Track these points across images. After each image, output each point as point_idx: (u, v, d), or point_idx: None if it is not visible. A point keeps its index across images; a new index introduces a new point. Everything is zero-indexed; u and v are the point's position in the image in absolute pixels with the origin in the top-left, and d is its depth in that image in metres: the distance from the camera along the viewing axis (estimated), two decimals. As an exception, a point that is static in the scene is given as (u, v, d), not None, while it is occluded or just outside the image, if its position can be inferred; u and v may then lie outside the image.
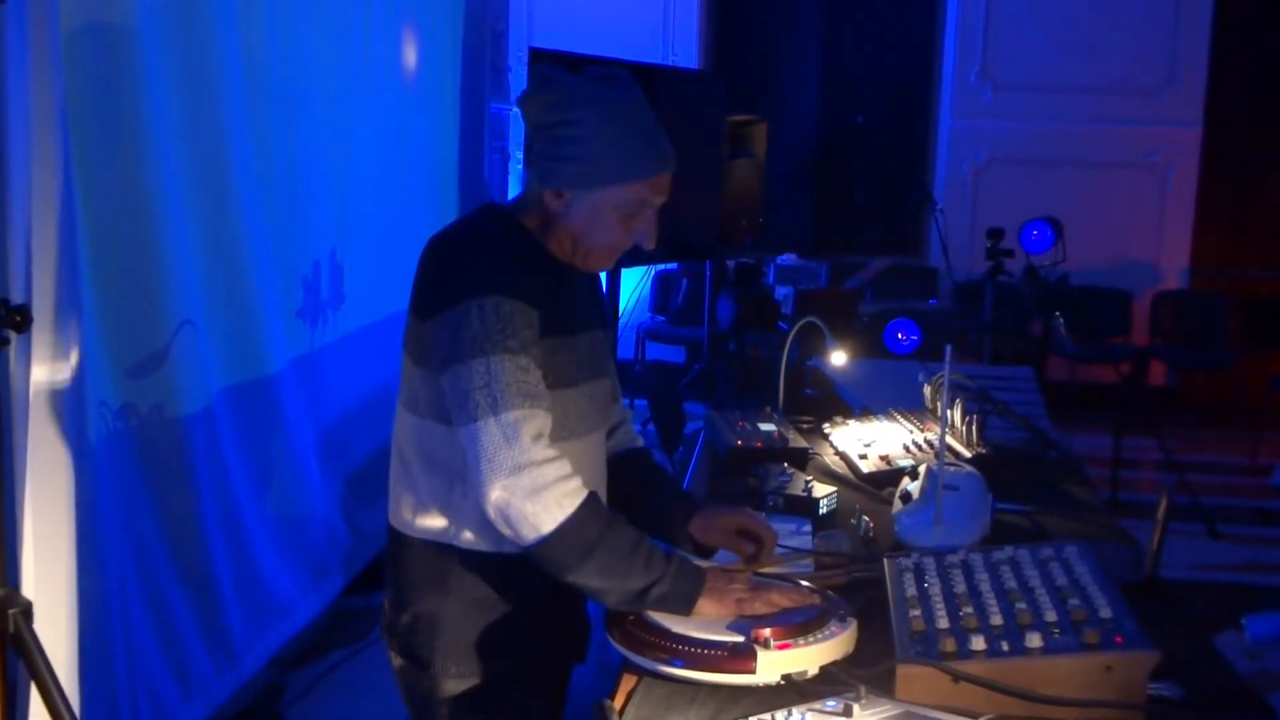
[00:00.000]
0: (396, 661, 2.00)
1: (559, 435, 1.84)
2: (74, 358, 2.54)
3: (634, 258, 6.08)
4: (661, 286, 8.17)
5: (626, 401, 2.08)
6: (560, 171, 1.83)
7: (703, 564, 1.86)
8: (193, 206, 3.18)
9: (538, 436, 1.73)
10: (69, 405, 2.53)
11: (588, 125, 1.80)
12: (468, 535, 1.89)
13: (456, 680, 1.92)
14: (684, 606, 1.75)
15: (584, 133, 1.80)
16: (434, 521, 1.91)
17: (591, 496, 1.77)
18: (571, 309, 1.92)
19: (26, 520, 2.47)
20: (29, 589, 2.46)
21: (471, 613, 1.91)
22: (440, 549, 1.92)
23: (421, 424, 1.89)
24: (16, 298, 2.39)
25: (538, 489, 1.70)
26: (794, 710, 1.46)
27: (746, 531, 2.00)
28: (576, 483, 1.75)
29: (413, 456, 1.92)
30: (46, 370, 2.47)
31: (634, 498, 2.07)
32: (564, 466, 1.75)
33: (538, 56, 4.90)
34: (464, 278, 1.79)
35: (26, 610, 2.23)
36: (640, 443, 2.20)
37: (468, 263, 1.82)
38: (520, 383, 1.73)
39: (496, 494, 1.70)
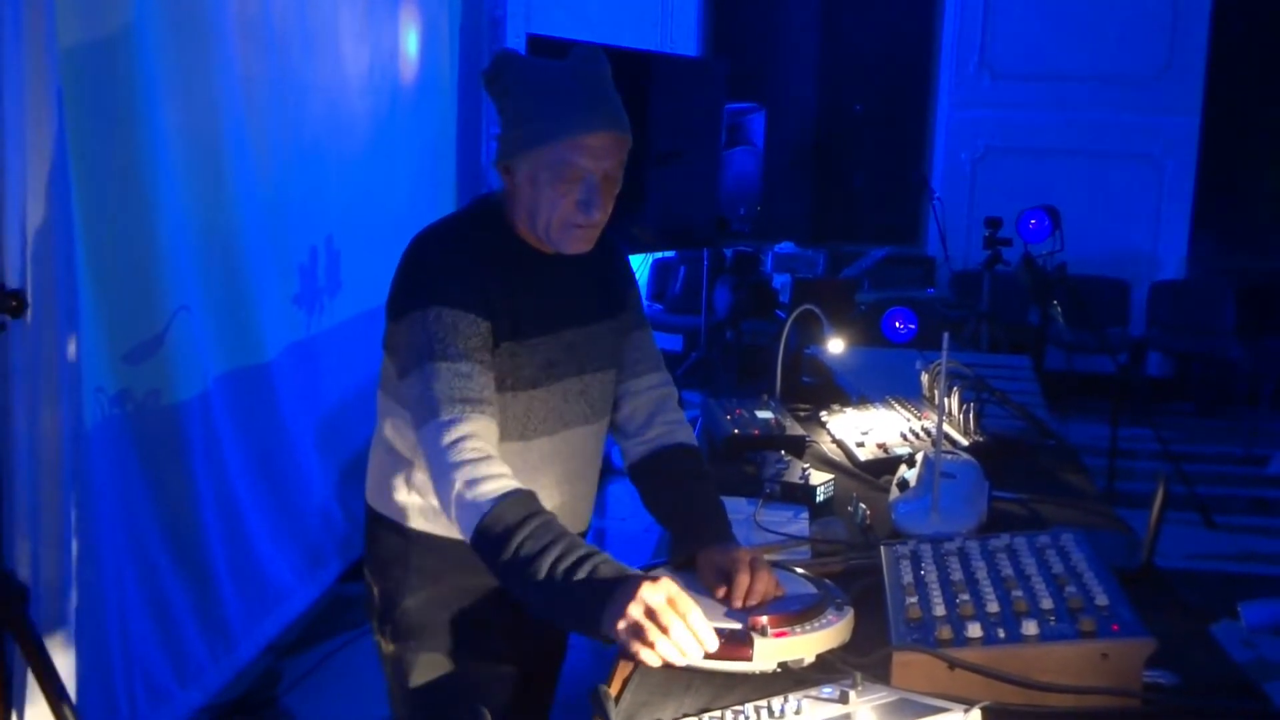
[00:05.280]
0: (375, 635, 2.06)
1: (518, 434, 1.89)
2: (70, 343, 2.54)
3: (631, 245, 6.09)
4: (659, 274, 8.16)
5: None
6: (500, 144, 1.85)
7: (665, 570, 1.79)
8: (189, 192, 3.17)
9: (460, 439, 1.72)
10: (65, 391, 2.52)
11: (513, 93, 1.82)
12: (419, 519, 1.97)
13: (416, 654, 1.97)
14: (587, 627, 1.59)
15: (510, 101, 1.83)
16: (392, 500, 1.99)
17: (509, 497, 1.68)
18: (555, 304, 1.91)
19: (23, 505, 2.47)
20: (25, 574, 2.46)
21: (430, 590, 1.97)
22: (400, 529, 1.99)
23: (388, 404, 1.96)
24: (13, 283, 2.39)
25: (462, 489, 1.69)
26: (790, 697, 1.46)
27: (727, 572, 1.77)
28: (498, 483, 1.69)
29: (380, 434, 2.01)
30: (43, 356, 2.47)
31: (657, 507, 2.02)
32: (485, 468, 1.70)
33: (536, 43, 4.89)
34: (418, 286, 1.83)
35: (23, 595, 2.23)
36: (680, 436, 2.06)
37: (428, 269, 1.85)
38: (455, 389, 1.75)
39: (443, 495, 1.73)
